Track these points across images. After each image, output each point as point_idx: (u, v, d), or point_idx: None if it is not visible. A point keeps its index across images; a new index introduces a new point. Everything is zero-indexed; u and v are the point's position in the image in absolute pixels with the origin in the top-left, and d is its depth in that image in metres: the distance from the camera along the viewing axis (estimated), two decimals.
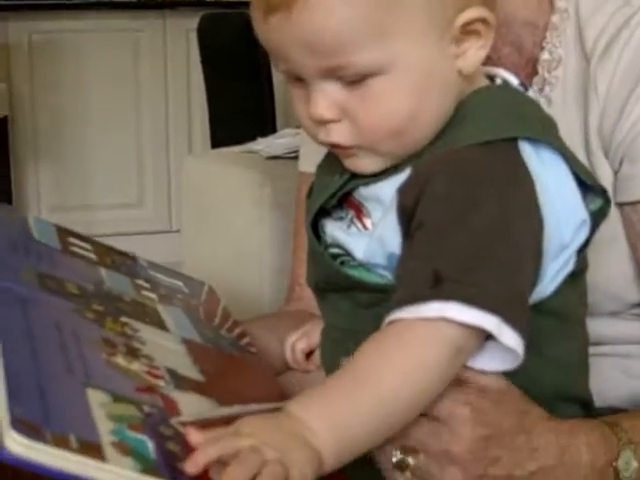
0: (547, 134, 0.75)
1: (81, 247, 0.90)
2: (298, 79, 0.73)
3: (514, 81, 0.79)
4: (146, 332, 0.79)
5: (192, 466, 0.58)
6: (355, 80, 0.70)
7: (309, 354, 0.95)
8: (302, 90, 0.73)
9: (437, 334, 0.65)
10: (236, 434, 0.61)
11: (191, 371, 0.76)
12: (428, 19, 0.70)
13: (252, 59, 3.28)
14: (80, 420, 0.58)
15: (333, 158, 0.78)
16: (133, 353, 0.73)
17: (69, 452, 0.54)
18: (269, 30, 0.70)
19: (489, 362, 0.69)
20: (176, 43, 4.21)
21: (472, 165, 0.71)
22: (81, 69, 4.09)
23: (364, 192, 0.76)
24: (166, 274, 0.98)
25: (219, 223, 1.59)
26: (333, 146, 0.75)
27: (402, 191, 0.72)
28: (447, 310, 0.64)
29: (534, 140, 0.73)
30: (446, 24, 0.71)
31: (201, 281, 1.04)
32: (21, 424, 0.53)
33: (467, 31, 0.72)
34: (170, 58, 4.23)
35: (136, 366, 0.71)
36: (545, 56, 0.94)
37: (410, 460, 0.70)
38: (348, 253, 0.77)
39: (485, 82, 0.78)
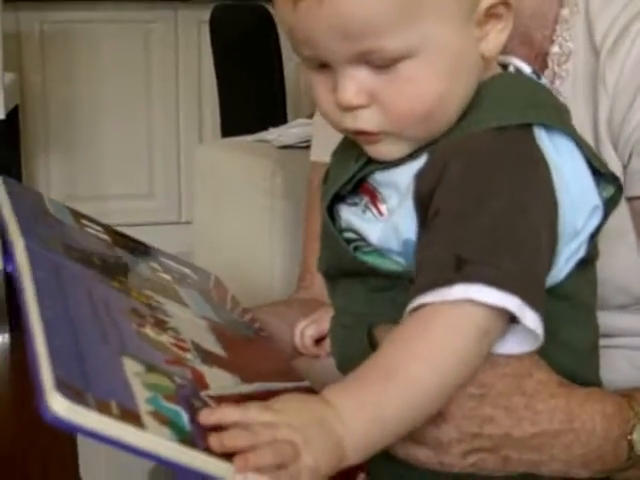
0: (561, 121, 0.76)
1: (94, 229, 0.91)
2: (323, 66, 0.73)
3: (527, 69, 0.80)
4: (170, 306, 0.80)
5: (207, 417, 0.60)
6: (384, 65, 0.70)
7: (318, 341, 0.96)
8: (327, 77, 0.73)
9: (463, 318, 0.65)
10: (266, 408, 0.61)
11: (214, 346, 0.77)
12: (456, 4, 0.70)
13: (263, 50, 3.28)
14: (119, 387, 0.59)
15: (349, 144, 0.79)
16: (160, 325, 0.73)
17: (111, 418, 0.54)
18: (298, 16, 0.70)
19: (510, 345, 0.70)
20: (188, 34, 4.21)
21: (487, 151, 0.71)
22: (92, 60, 4.09)
23: (379, 178, 0.77)
24: (174, 261, 0.99)
25: (230, 211, 1.59)
26: (358, 133, 0.75)
27: (419, 178, 0.73)
28: (472, 292, 0.65)
29: (548, 126, 0.74)
30: (472, 8, 0.71)
31: (207, 271, 1.05)
32: (65, 387, 0.53)
33: (489, 14, 0.73)
34: (182, 49, 4.23)
35: (164, 338, 0.71)
36: (555, 49, 0.94)
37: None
38: (362, 238, 0.78)
39: (498, 69, 0.79)
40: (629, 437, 0.75)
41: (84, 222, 0.90)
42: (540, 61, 0.96)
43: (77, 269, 0.74)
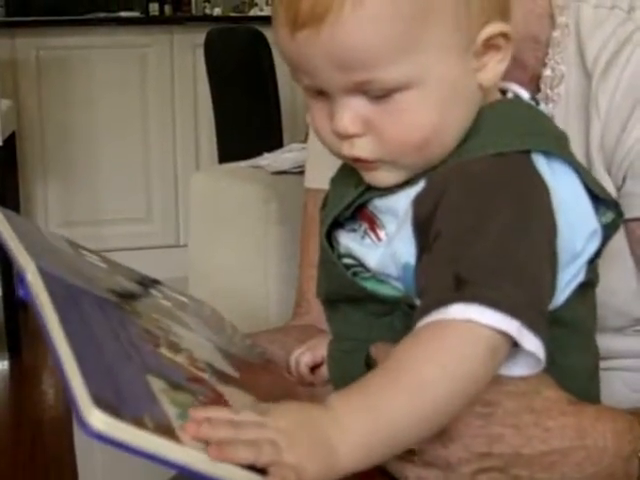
0: (559, 147, 0.75)
1: (92, 258, 0.91)
2: (321, 93, 0.73)
3: (525, 95, 0.80)
4: (177, 328, 0.80)
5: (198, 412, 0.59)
6: (381, 95, 0.70)
7: (313, 368, 0.95)
8: (325, 104, 0.73)
9: (472, 332, 0.65)
10: (261, 410, 0.61)
11: (226, 367, 0.77)
12: (454, 35, 0.70)
13: (258, 73, 3.30)
14: (149, 402, 0.59)
15: (348, 170, 0.79)
16: (174, 346, 0.73)
17: (148, 432, 0.54)
18: (296, 45, 0.69)
19: (513, 368, 0.70)
20: (183, 58, 4.23)
21: (486, 174, 0.71)
22: (89, 85, 4.11)
23: (379, 204, 0.77)
24: (169, 289, 0.99)
25: (226, 238, 1.59)
26: (356, 160, 0.74)
27: (417, 202, 0.72)
28: (471, 312, 0.64)
29: (547, 153, 0.74)
30: (470, 40, 0.71)
31: (202, 301, 1.05)
32: (101, 402, 0.53)
33: (488, 45, 0.72)
34: (177, 73, 4.25)
35: (180, 358, 0.71)
36: (547, 72, 0.94)
37: (414, 446, 0.71)
38: (361, 264, 0.77)
39: (498, 96, 0.79)
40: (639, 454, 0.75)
41: (82, 252, 0.90)
42: (534, 84, 0.95)
43: (88, 291, 0.74)
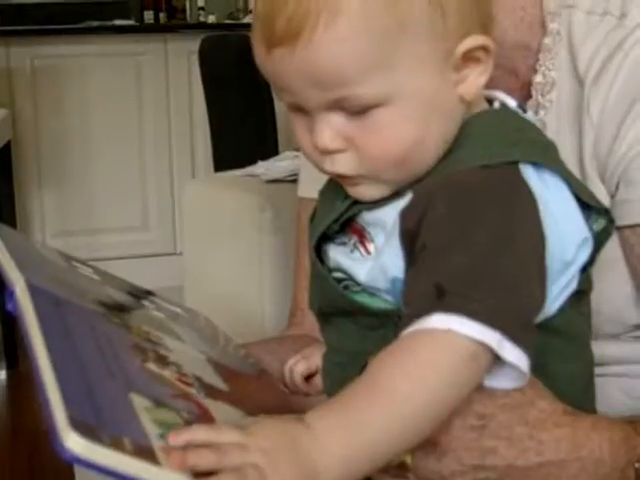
0: (547, 157, 0.75)
1: (85, 270, 0.91)
2: (301, 109, 0.73)
3: (512, 103, 0.79)
4: (168, 340, 0.79)
5: (176, 437, 0.58)
6: (358, 111, 0.70)
7: (308, 378, 0.94)
8: (305, 120, 0.73)
9: (448, 342, 0.65)
10: (239, 429, 0.60)
11: (215, 380, 0.77)
12: (430, 51, 0.70)
13: (253, 81, 3.29)
14: (130, 423, 0.59)
15: (336, 183, 0.79)
16: (162, 360, 0.73)
17: (127, 455, 0.54)
18: (272, 63, 0.70)
19: (496, 379, 0.69)
20: (178, 66, 4.23)
21: (472, 186, 0.71)
22: (83, 93, 4.11)
23: (367, 217, 0.77)
24: (165, 301, 0.99)
25: (221, 247, 1.59)
26: (338, 176, 0.75)
27: (404, 215, 0.72)
28: (452, 322, 0.64)
29: (534, 163, 0.73)
30: (448, 54, 0.71)
31: (196, 311, 1.04)
32: (79, 425, 0.53)
33: (467, 58, 0.72)
34: (172, 81, 4.25)
35: (167, 373, 0.71)
36: (539, 79, 0.93)
37: (408, 460, 0.71)
38: (351, 278, 0.77)
39: (485, 105, 0.78)
40: (636, 465, 0.74)
41: (74, 264, 0.90)
42: (525, 91, 0.95)
43: (78, 304, 0.74)
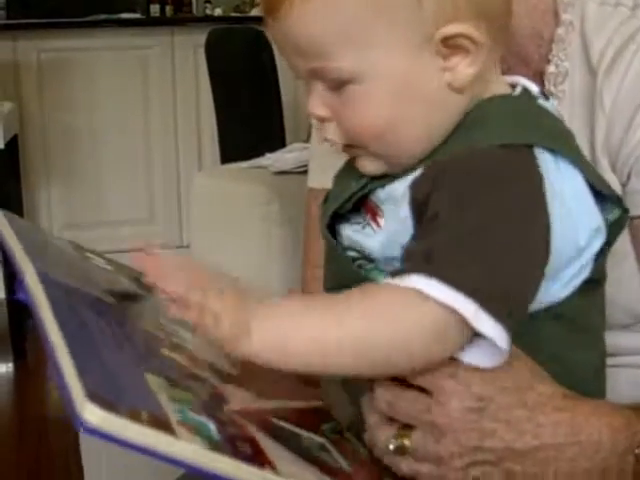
0: (563, 145, 0.75)
1: (97, 260, 0.91)
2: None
3: (534, 89, 0.80)
4: (182, 332, 0.80)
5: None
6: (335, 85, 0.74)
7: None
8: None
9: (415, 301, 0.66)
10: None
11: (228, 366, 0.77)
12: (404, 33, 0.71)
13: (259, 73, 3.29)
14: (146, 397, 0.59)
15: (351, 165, 0.80)
16: (176, 347, 0.74)
17: (144, 426, 0.54)
18: (270, 30, 0.75)
19: (473, 355, 0.70)
20: (184, 59, 4.23)
21: (483, 161, 0.71)
22: (90, 87, 4.11)
23: (381, 194, 0.78)
24: None
25: (228, 239, 1.59)
26: (331, 143, 0.78)
27: (414, 185, 0.73)
28: (425, 285, 0.66)
29: (550, 149, 0.73)
30: (426, 38, 0.72)
31: None
32: (95, 396, 0.53)
33: (451, 46, 0.73)
34: (179, 74, 4.25)
35: (181, 358, 0.72)
36: (551, 69, 0.93)
37: (406, 442, 0.72)
38: (364, 257, 0.78)
39: (503, 90, 0.78)
40: (636, 451, 0.74)
41: (87, 254, 0.90)
42: (537, 81, 0.94)
43: (88, 295, 0.75)
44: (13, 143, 3.55)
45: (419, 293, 0.66)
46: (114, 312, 0.74)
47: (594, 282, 0.77)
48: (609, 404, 0.76)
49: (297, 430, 0.72)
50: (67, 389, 0.54)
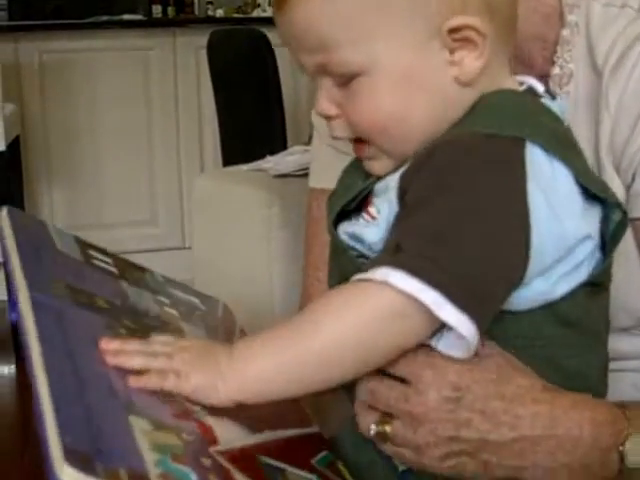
0: (557, 145, 0.74)
1: (102, 260, 0.89)
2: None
3: (540, 89, 0.80)
4: None
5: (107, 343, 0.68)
6: (342, 80, 0.74)
7: None
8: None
9: (380, 294, 0.67)
10: (170, 342, 0.72)
11: None
12: (410, 25, 0.72)
13: (262, 75, 3.29)
14: (127, 450, 0.58)
15: (358, 164, 0.81)
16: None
17: None
18: (278, 25, 0.76)
19: (445, 345, 0.70)
20: (186, 60, 4.23)
21: (465, 149, 0.72)
22: (92, 88, 4.11)
23: (377, 188, 0.78)
24: (182, 290, 0.97)
25: (229, 241, 1.60)
26: (336, 139, 0.80)
27: (403, 176, 0.74)
28: (390, 276, 0.66)
29: (541, 146, 0.73)
30: (432, 30, 0.72)
31: (215, 298, 1.04)
32: (73, 456, 0.52)
33: (459, 39, 0.73)
34: (180, 75, 4.25)
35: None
36: (556, 71, 0.93)
37: (387, 429, 0.73)
38: (362, 255, 0.78)
39: (510, 84, 0.78)
40: (621, 448, 0.73)
41: (91, 253, 0.89)
42: (542, 83, 0.94)
43: (82, 315, 0.73)
44: (15, 144, 3.55)
45: (381, 285, 0.67)
46: (108, 335, 0.72)
47: (598, 285, 0.77)
48: (592, 399, 0.75)
49: (285, 466, 0.71)
50: (47, 444, 0.53)
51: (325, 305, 0.70)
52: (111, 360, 0.66)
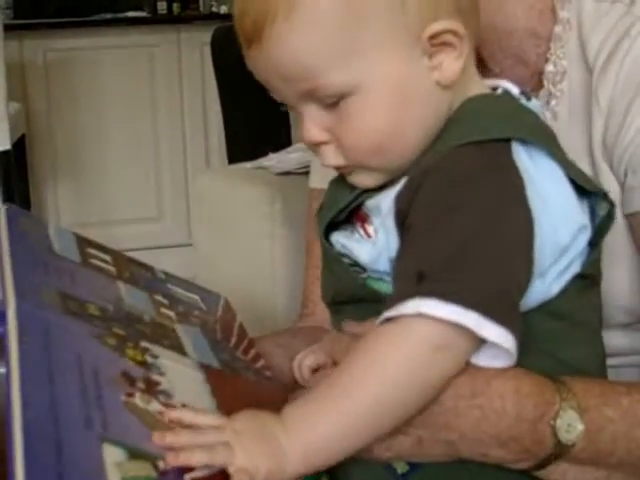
0: (541, 139, 0.75)
1: (100, 259, 0.88)
2: (291, 106, 0.75)
3: (514, 91, 0.79)
4: (166, 358, 0.77)
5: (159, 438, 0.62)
6: (331, 102, 0.73)
7: (316, 371, 0.94)
8: (300, 116, 0.75)
9: (412, 333, 0.66)
10: (221, 418, 0.67)
11: (208, 403, 0.74)
12: (392, 37, 0.71)
13: None
14: None
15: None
16: (151, 389, 0.70)
17: None
18: (250, 62, 0.74)
19: (486, 359, 0.69)
20: (191, 57, 4.23)
21: (460, 166, 0.71)
22: (97, 86, 4.11)
23: (369, 204, 0.78)
24: (183, 287, 0.97)
25: (232, 239, 1.60)
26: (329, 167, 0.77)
27: (398, 198, 0.73)
28: (423, 306, 0.64)
29: (527, 143, 0.73)
30: (413, 39, 0.72)
31: (217, 294, 1.03)
32: None
33: (437, 43, 0.73)
34: (185, 72, 4.24)
35: (154, 406, 0.68)
36: (550, 68, 0.93)
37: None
38: (356, 263, 0.78)
39: (483, 89, 0.78)
40: (551, 422, 0.71)
41: (90, 251, 0.88)
42: (536, 80, 0.95)
43: (70, 326, 0.72)
44: (20, 143, 3.55)
45: (415, 318, 0.65)
46: (94, 349, 0.71)
47: (588, 278, 0.77)
48: (518, 370, 0.72)
49: None
50: None
51: (366, 354, 0.67)
52: (173, 461, 0.61)
